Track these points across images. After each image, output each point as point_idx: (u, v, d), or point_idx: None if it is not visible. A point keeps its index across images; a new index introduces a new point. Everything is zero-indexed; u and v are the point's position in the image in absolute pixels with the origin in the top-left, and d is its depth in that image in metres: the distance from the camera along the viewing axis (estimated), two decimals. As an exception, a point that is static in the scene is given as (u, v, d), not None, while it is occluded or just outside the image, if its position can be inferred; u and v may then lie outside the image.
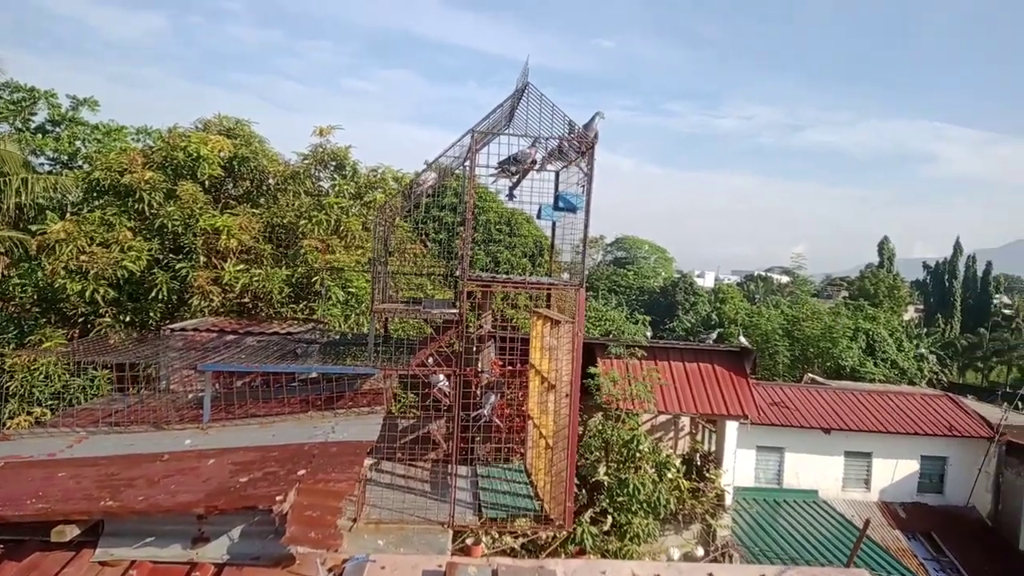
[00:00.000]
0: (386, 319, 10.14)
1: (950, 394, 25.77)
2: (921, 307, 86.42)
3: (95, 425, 7.09)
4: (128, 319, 15.28)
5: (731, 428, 17.19)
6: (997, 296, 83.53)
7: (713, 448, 17.91)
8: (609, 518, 14.91)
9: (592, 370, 15.53)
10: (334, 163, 16.80)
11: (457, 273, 8.30)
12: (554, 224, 9.14)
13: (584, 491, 15.00)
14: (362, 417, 7.06)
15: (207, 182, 15.72)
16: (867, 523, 16.08)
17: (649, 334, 33.92)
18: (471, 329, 9.08)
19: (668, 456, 15.88)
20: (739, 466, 18.72)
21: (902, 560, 17.72)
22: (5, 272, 17.59)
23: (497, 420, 8.26)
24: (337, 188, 16.22)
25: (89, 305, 14.77)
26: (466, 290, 7.30)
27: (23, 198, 22.28)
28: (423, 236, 25.62)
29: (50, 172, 25.25)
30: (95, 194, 15.96)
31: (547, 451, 7.98)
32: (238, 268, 14.83)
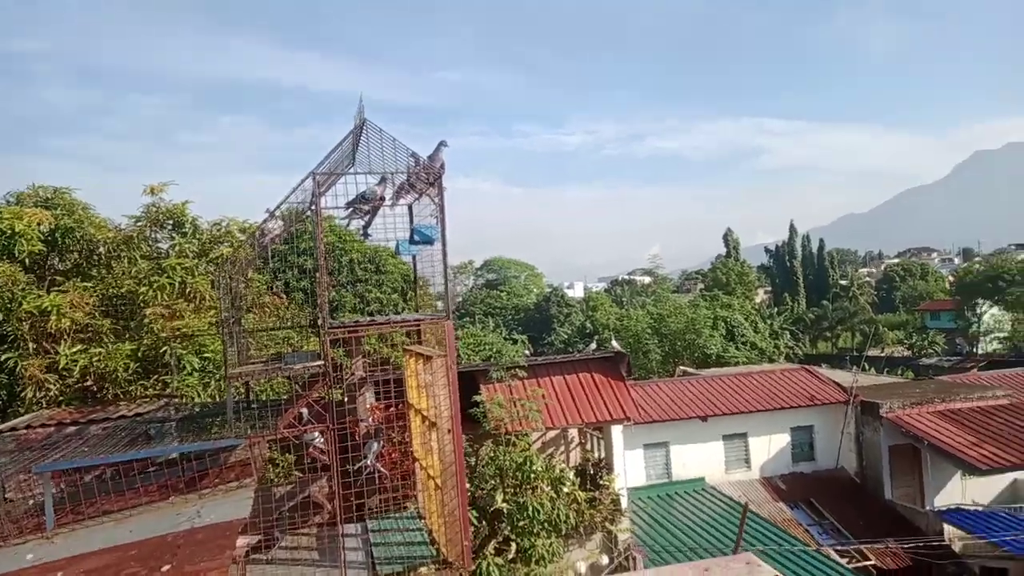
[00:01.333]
0: (247, 382, 9.48)
1: (806, 366, 27.75)
2: (769, 289, 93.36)
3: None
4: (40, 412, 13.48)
5: (616, 432, 17.54)
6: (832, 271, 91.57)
7: (603, 455, 18.20)
8: (513, 545, 14.70)
9: (476, 398, 15.36)
10: (171, 222, 15.69)
11: (319, 322, 7.89)
12: (414, 258, 8.92)
13: (485, 522, 14.73)
14: (230, 494, 6.47)
15: (27, 260, 14.20)
16: (745, 507, 16.86)
17: (528, 352, 34.29)
18: (343, 377, 8.65)
19: (562, 471, 15.95)
20: (630, 467, 19.12)
21: (788, 530, 18.69)
22: None
23: (381, 468, 7.88)
24: (178, 248, 15.12)
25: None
26: (328, 339, 6.92)
27: None
28: (284, 287, 24.54)
29: None
30: None
31: (437, 491, 7.69)
32: (75, 350, 13.46)
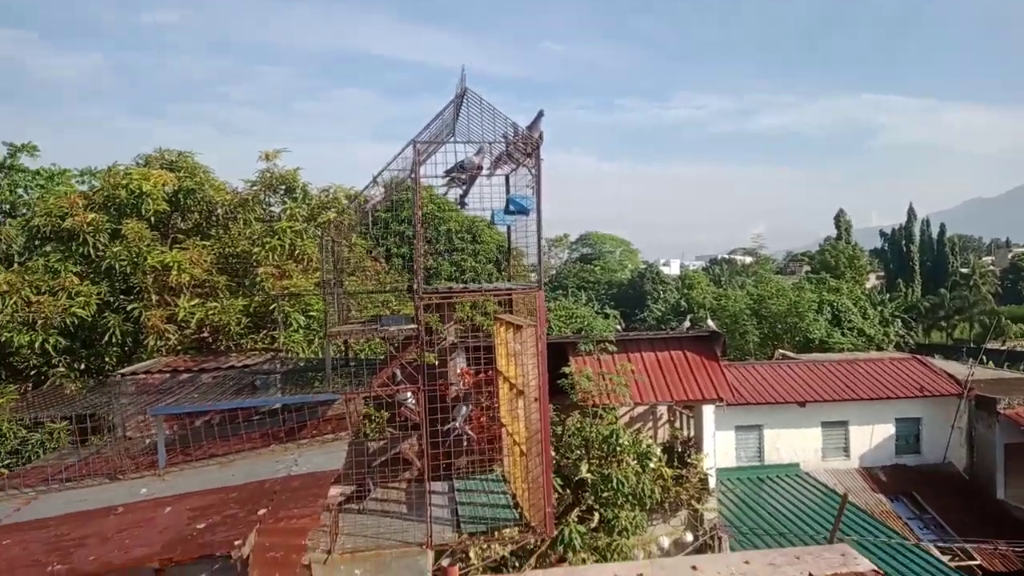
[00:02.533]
0: (346, 341, 9.91)
1: (918, 356, 26.23)
2: (882, 274, 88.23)
3: (45, 484, 6.74)
4: (83, 367, 14.78)
5: (708, 412, 17.23)
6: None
7: (692, 433, 17.94)
8: (596, 515, 14.83)
9: (565, 369, 15.46)
10: (283, 187, 16.47)
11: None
12: (509, 228, 8.99)
13: (569, 490, 14.90)
14: (326, 446, 6.83)
15: (153, 218, 15.28)
16: (844, 498, 16.25)
17: (620, 327, 34.03)
18: (434, 342, 8.89)
19: (649, 447, 15.86)
20: (720, 447, 18.79)
21: (886, 522, 17.93)
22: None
23: (469, 431, 8.09)
24: (288, 212, 15.88)
25: (40, 356, 14.25)
26: (422, 304, 7.11)
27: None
28: (385, 253, 25.33)
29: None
30: (37, 241, 15.42)
31: (522, 458, 7.83)
32: (193, 303, 14.43)
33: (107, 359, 14.93)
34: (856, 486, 20.72)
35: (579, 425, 15.39)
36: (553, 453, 15.19)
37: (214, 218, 16.71)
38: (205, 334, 14.90)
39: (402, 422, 8.46)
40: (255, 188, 16.34)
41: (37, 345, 13.69)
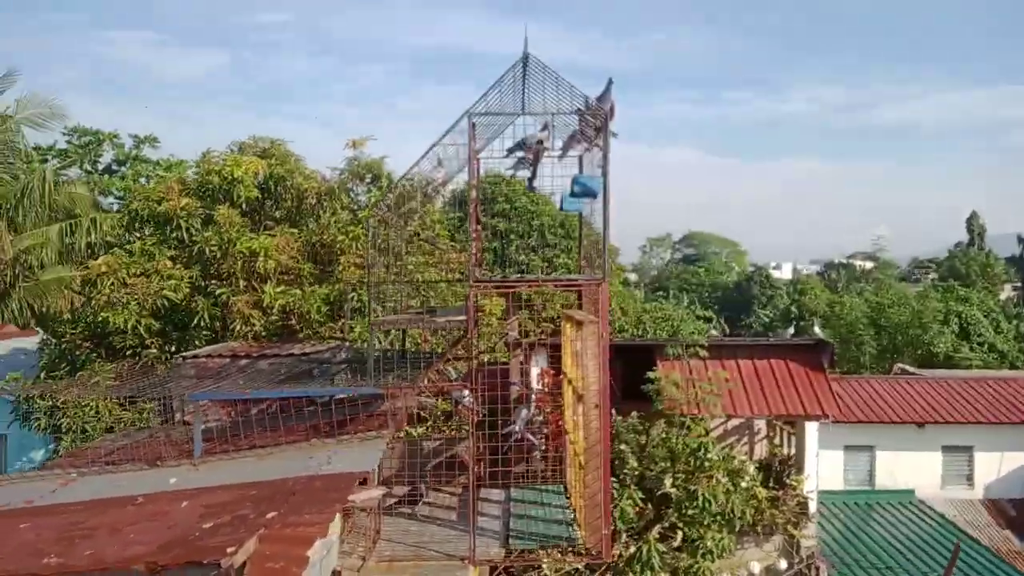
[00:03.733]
0: (404, 333, 9.48)
1: (1060, 377, 23.33)
2: (1019, 284, 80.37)
3: (92, 465, 6.67)
4: (174, 349, 15.18)
5: (811, 429, 15.76)
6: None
7: (793, 451, 16.51)
8: (679, 533, 13.83)
9: (651, 374, 14.53)
10: (369, 175, 16.38)
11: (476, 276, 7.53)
12: (581, 215, 8.24)
13: (650, 505, 14.00)
14: (365, 443, 6.39)
15: (244, 205, 15.52)
16: (957, 549, 14.41)
17: (715, 332, 32.36)
18: (491, 337, 8.31)
19: (742, 463, 14.66)
20: (825, 469, 17.23)
21: (1015, 564, 15.89)
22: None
23: (531, 436, 7.43)
24: (374, 200, 15.75)
25: (135, 337, 14.73)
26: (475, 292, 6.52)
27: (93, 237, 22.96)
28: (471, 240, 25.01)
29: (118, 210, 25.96)
30: (135, 225, 16.02)
31: (581, 471, 7.09)
32: (278, 290, 14.52)
33: (197, 342, 15.28)
34: (980, 519, 18.57)
35: (664, 435, 14.41)
36: (635, 464, 14.29)
37: (304, 206, 16.82)
38: (291, 321, 14.98)
39: (460, 422, 7.93)
40: (342, 176, 16.34)
41: (130, 325, 14.13)
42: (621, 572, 13.10)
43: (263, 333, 14.49)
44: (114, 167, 37.83)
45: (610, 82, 6.82)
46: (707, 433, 14.96)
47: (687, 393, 14.40)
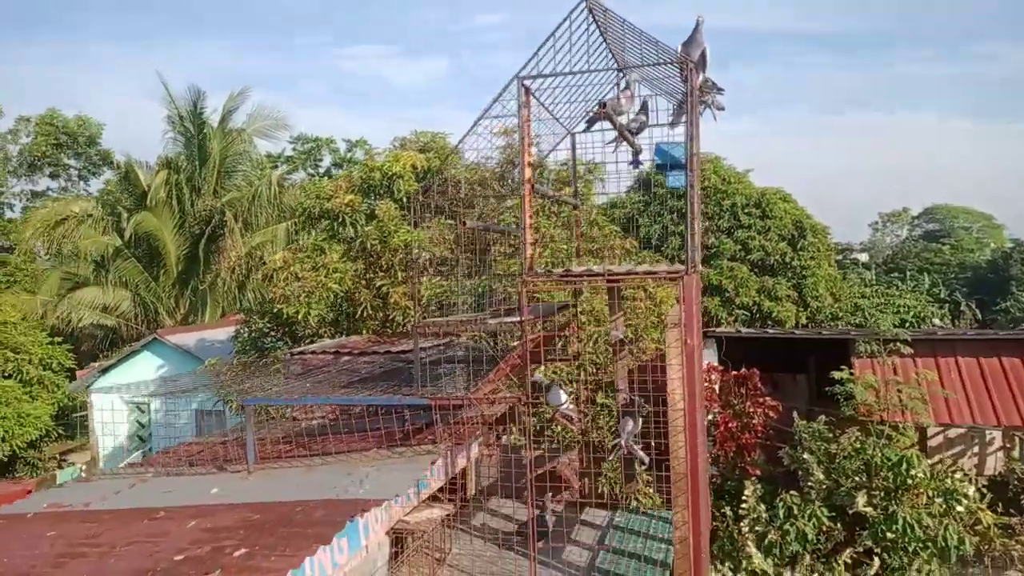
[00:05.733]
0: (494, 334, 8.71)
1: None
2: None
3: (171, 465, 6.78)
4: (345, 336, 15.85)
5: (1062, 444, 12.57)
6: None
7: (1037, 470, 13.30)
8: (876, 560, 11.74)
9: (837, 374, 12.44)
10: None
11: (582, 267, 6.57)
12: (688, 192, 6.88)
13: (840, 526, 12.04)
14: (414, 460, 5.77)
15: (404, 198, 15.74)
16: None
17: (938, 322, 27.54)
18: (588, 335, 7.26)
19: (961, 482, 12.05)
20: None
21: None
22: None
23: (639, 451, 6.35)
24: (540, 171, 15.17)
25: (308, 327, 15.57)
26: (526, 290, 5.60)
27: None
28: (648, 233, 23.56)
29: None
30: (309, 222, 16.94)
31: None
32: (434, 281, 14.52)
33: (363, 332, 15.82)
34: None
35: (858, 446, 12.26)
36: (821, 476, 12.37)
37: (460, 198, 16.71)
38: (439, 312, 14.94)
39: (561, 432, 7.05)
40: (498, 167, 15.95)
41: (301, 316, 14.93)
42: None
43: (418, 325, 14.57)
44: (332, 169, 41.43)
45: (699, 22, 5.44)
46: (913, 444, 12.53)
47: (885, 396, 12.11)
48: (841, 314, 26.58)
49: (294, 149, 41.76)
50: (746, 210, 25.13)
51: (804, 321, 24.31)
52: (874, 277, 45.91)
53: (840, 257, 47.74)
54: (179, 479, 6.44)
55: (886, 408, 11.99)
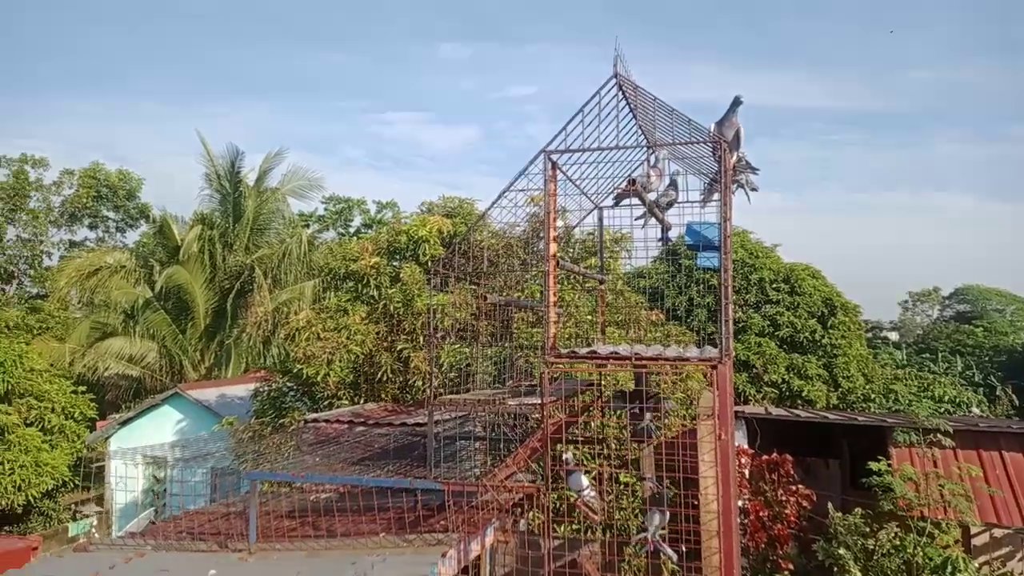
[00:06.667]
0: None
1: None
2: None
3: (176, 537, 6.45)
4: (363, 401, 15.58)
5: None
6: None
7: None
8: (919, 671, 10.86)
9: (874, 465, 11.80)
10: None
11: (609, 347, 6.30)
12: (721, 271, 6.61)
13: (881, 630, 11.22)
14: (424, 549, 5.38)
15: (429, 262, 15.69)
16: None
17: (976, 411, 26.44)
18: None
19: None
20: None
21: None
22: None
23: (666, 548, 5.92)
24: (565, 242, 15.04)
25: (328, 388, 15.35)
26: (549, 372, 5.31)
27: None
28: (676, 303, 23.20)
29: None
30: (334, 282, 16.92)
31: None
32: (455, 347, 14.29)
33: (383, 395, 15.55)
34: None
35: (897, 543, 11.52)
36: (859, 575, 11.62)
37: (484, 263, 16.63)
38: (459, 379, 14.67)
39: (583, 521, 6.62)
40: (521, 231, 15.87)
41: (320, 377, 14.73)
42: None
43: (439, 390, 14.29)
44: (362, 229, 41.95)
45: (735, 101, 5.29)
46: (957, 542, 11.75)
47: (927, 491, 11.41)
48: (873, 395, 25.77)
49: (326, 209, 42.50)
50: (774, 285, 24.75)
51: (835, 401, 23.58)
52: (905, 357, 44.76)
53: (870, 335, 46.67)
54: (177, 556, 6.11)
55: (927, 503, 11.28)
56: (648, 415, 6.41)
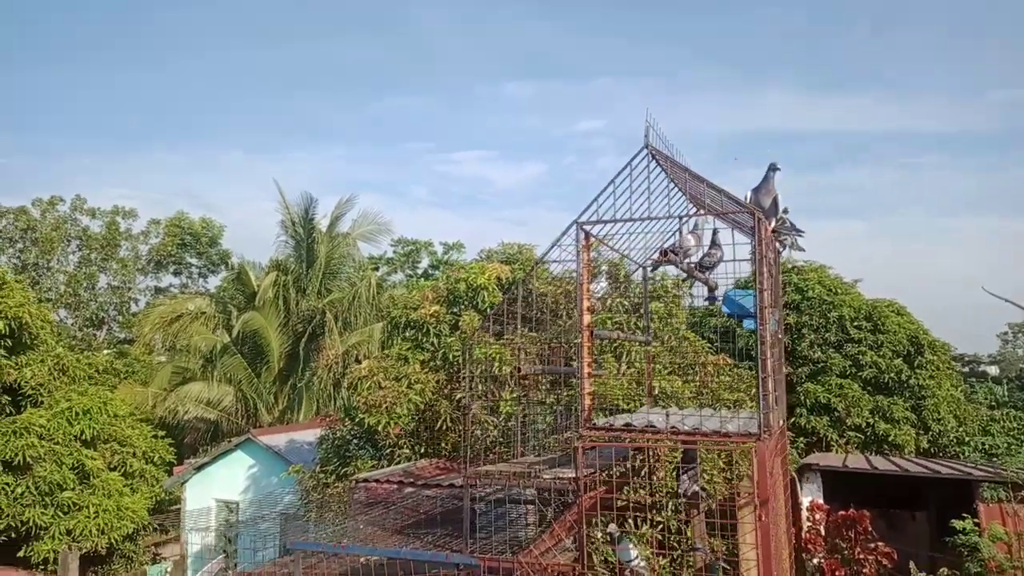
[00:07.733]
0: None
1: None
2: None
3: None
4: (423, 451, 15.61)
5: None
6: None
7: None
8: None
9: (958, 524, 10.97)
10: (607, 273, 15.54)
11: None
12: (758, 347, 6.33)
13: None
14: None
15: (487, 310, 15.72)
16: None
17: None
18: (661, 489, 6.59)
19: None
20: None
21: None
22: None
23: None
24: (611, 302, 14.81)
25: (391, 438, 15.46)
26: (582, 447, 5.10)
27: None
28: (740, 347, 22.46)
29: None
30: (396, 331, 17.13)
31: None
32: (513, 396, 14.20)
33: (443, 444, 15.54)
34: None
35: (991, 607, 10.62)
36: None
37: (543, 311, 16.55)
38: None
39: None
40: (575, 276, 15.75)
41: (381, 426, 14.86)
42: None
43: (499, 440, 14.19)
44: (429, 271, 42.64)
45: (771, 169, 5.07)
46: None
47: (1019, 554, 10.50)
48: (967, 438, 24.14)
49: (395, 251, 43.43)
50: (855, 323, 23.62)
51: (925, 445, 22.16)
52: (1006, 393, 41.91)
53: (967, 370, 43.94)
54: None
55: (1020, 567, 10.38)
56: (689, 479, 6.15)
